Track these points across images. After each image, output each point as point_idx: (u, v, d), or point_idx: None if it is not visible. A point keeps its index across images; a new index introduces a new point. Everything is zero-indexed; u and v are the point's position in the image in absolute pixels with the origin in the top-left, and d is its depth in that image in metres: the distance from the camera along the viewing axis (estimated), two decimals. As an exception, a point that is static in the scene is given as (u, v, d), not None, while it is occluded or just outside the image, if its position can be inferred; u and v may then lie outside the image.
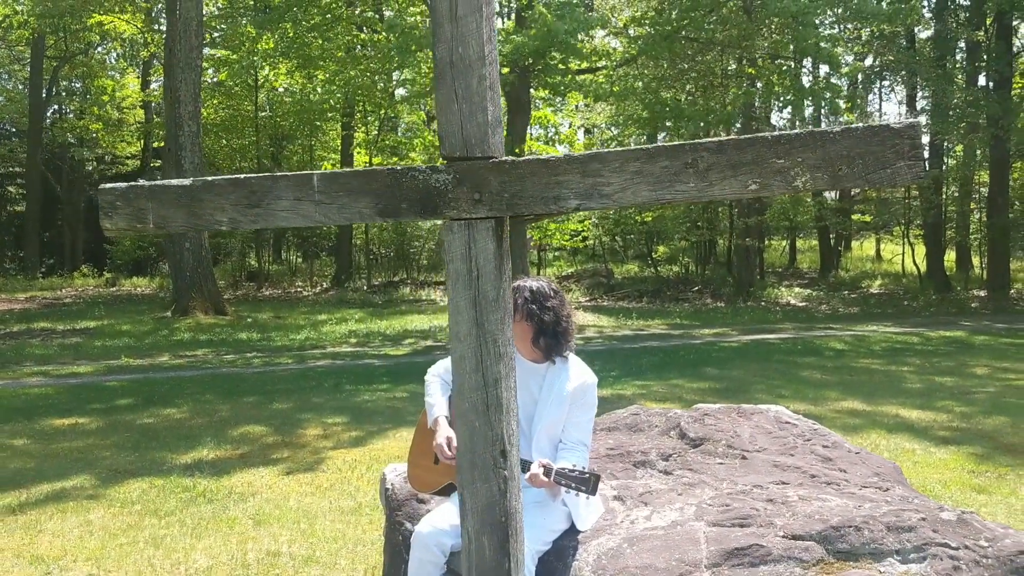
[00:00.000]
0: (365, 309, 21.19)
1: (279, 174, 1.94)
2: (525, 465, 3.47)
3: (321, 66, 20.43)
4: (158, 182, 1.99)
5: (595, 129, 37.56)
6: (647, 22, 16.45)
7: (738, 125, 24.64)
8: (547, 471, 3.37)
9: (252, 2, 23.32)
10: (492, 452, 1.90)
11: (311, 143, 28.04)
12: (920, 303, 23.01)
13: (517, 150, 16.62)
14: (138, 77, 41.06)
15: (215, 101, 28.24)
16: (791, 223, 28.36)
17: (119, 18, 26.84)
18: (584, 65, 17.36)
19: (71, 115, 41.41)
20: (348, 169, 1.93)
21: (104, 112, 37.98)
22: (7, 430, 8.43)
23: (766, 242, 36.51)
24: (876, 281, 28.23)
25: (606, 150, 1.81)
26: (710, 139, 1.77)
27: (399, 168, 1.89)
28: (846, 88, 26.08)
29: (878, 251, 37.38)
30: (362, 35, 19.96)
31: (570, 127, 37.07)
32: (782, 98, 19.30)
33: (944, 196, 27.26)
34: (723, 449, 4.25)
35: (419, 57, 17.19)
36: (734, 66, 22.53)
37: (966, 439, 7.93)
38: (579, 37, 14.71)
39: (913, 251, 27.52)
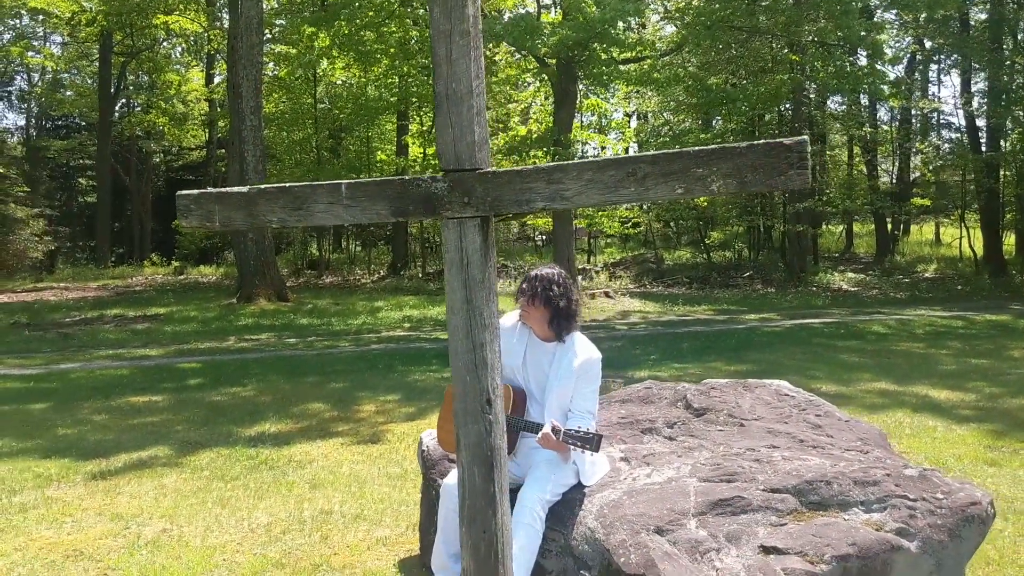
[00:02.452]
0: (419, 296, 21.87)
1: (317, 183, 2.48)
2: (538, 428, 4.00)
3: (376, 60, 21.05)
4: (223, 189, 2.54)
5: (649, 115, 37.80)
6: (692, 11, 16.72)
7: (788, 106, 24.76)
8: (556, 432, 3.88)
9: (310, -1, 24.05)
10: (480, 401, 2.42)
11: (367, 135, 28.79)
12: (972, 288, 22.93)
13: (563, 138, 17.05)
14: (202, 71, 42.26)
15: (276, 95, 29.14)
16: (836, 208, 28.25)
17: (183, 17, 27.82)
18: (628, 55, 17.73)
19: (139, 109, 42.81)
20: (368, 179, 2.45)
21: (170, 106, 39.28)
22: (87, 407, 9.20)
23: (823, 227, 36.44)
24: (932, 266, 28.09)
25: (566, 162, 2.30)
26: (647, 153, 2.25)
27: (407, 178, 2.41)
28: (894, 74, 25.93)
29: (937, 235, 37.03)
30: (414, 30, 20.51)
31: (623, 116, 37.35)
32: (826, 84, 19.40)
33: (1002, 180, 26.98)
34: (724, 418, 4.71)
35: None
36: (787, 51, 22.64)
37: (989, 418, 8.23)
38: (619, 26, 15.07)
39: (970, 235, 27.33)
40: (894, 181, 32.94)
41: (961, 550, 3.61)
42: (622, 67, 17.17)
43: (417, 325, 16.52)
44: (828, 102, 29.49)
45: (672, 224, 34.43)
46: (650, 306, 19.24)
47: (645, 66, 17.71)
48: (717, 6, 16.41)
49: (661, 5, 19.33)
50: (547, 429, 3.91)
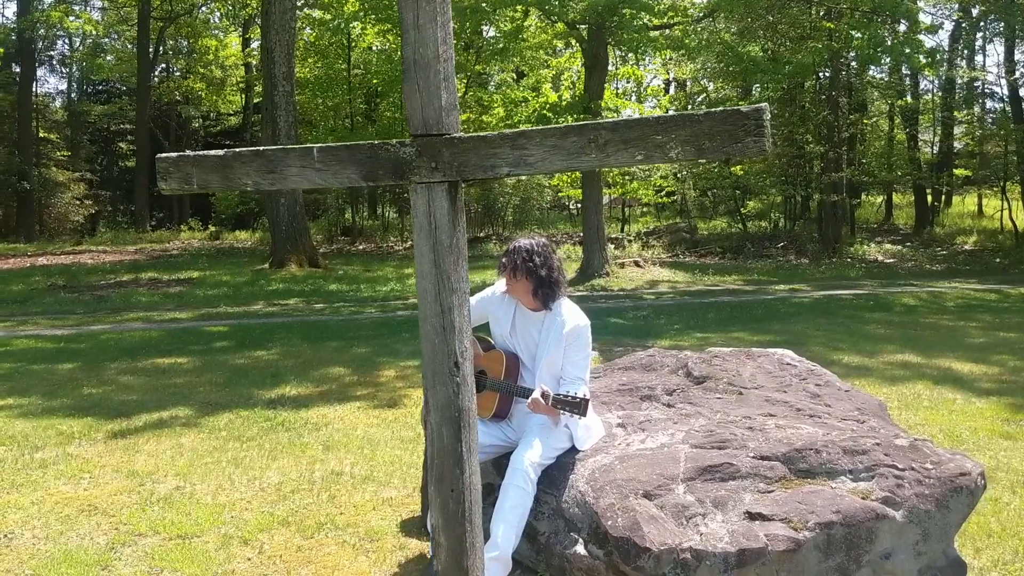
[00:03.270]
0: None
1: (288, 147, 2.52)
2: (530, 393, 4.05)
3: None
4: (200, 152, 2.59)
5: (688, 83, 37.35)
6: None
7: (827, 73, 24.35)
8: (545, 397, 3.93)
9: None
10: (448, 363, 2.47)
11: (400, 101, 28.73)
12: (1011, 261, 22.55)
13: (593, 105, 16.94)
14: (240, 37, 42.47)
15: (311, 60, 29.22)
16: (873, 178, 27.81)
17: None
18: (658, 22, 17.54)
19: (177, 74, 43.19)
20: (339, 143, 2.50)
21: (207, 71, 39.57)
22: (114, 368, 9.41)
23: (862, 198, 35.91)
24: (971, 238, 27.63)
25: (530, 128, 2.32)
26: (608, 120, 2.26)
27: (376, 143, 2.45)
28: (934, 43, 25.33)
29: (980, 207, 36.34)
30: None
31: (658, 83, 36.99)
32: (860, 53, 19.04)
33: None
34: (723, 386, 4.73)
35: (503, 15, 17.64)
36: (843, 18, 22.14)
37: (1010, 391, 8.14)
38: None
39: (1010, 207, 26.82)
40: (935, 151, 32.31)
41: (948, 520, 3.61)
42: (654, 33, 16.98)
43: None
44: (870, 70, 28.97)
45: (709, 193, 34.14)
46: (679, 276, 19.18)
47: (677, 32, 17.50)
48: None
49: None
50: (536, 395, 3.96)
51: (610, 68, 26.53)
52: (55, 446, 6.50)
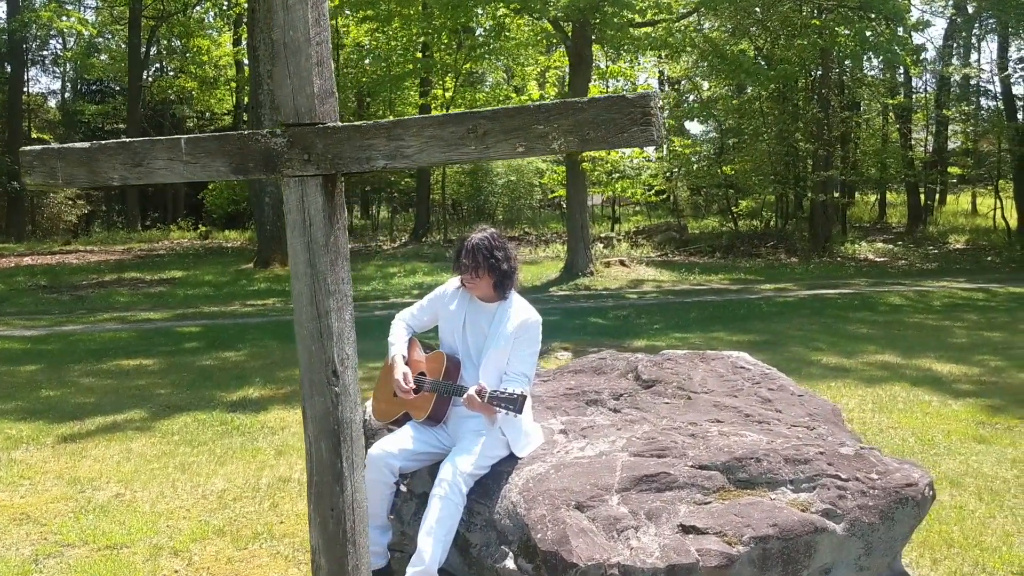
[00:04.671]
0: (436, 263, 21.75)
1: (155, 138, 2.34)
2: (465, 392, 3.87)
3: (389, 19, 20.75)
4: (65, 145, 2.41)
5: (683, 82, 37.11)
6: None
7: (819, 73, 24.16)
8: (481, 394, 3.75)
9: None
10: (326, 371, 2.29)
11: (391, 99, 28.61)
12: (1002, 259, 22.37)
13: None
14: (232, 35, 42.25)
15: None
16: (861, 177, 27.61)
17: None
18: (645, 18, 17.33)
19: (171, 73, 42.99)
20: (207, 134, 2.32)
21: (200, 71, 39.35)
22: (77, 369, 9.23)
23: (856, 197, 35.70)
24: (964, 237, 27.44)
25: (406, 118, 2.14)
26: (487, 109, 2.08)
27: (246, 133, 2.26)
28: (927, 40, 25.08)
29: (974, 206, 36.14)
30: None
31: (657, 83, 36.76)
32: (844, 49, 18.85)
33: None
34: (672, 390, 4.54)
35: (488, 11, 17.45)
36: (827, 15, 21.91)
37: (988, 392, 7.97)
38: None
39: (1003, 205, 26.64)
40: (929, 150, 32.12)
41: (893, 533, 3.43)
42: (638, 31, 16.78)
43: (427, 292, 16.40)
44: (865, 68, 28.76)
45: (701, 192, 33.94)
46: (665, 275, 18.99)
47: (661, 30, 17.30)
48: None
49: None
50: (472, 391, 3.78)
51: (601, 67, 26.40)
52: (0, 451, 6.31)
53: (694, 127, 36.75)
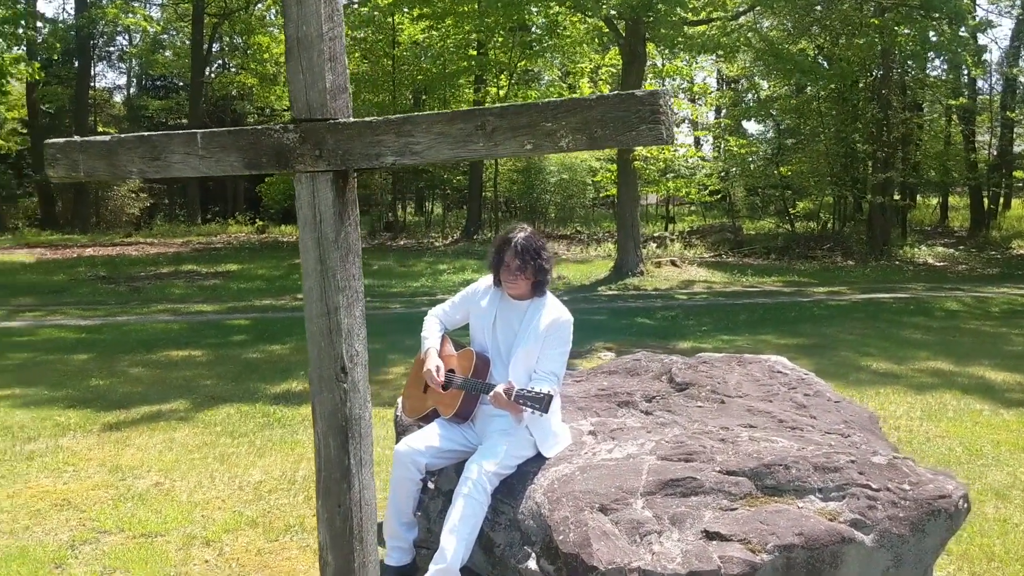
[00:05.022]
0: (486, 260, 21.70)
1: (173, 132, 2.36)
2: (491, 389, 3.85)
3: (443, 15, 20.81)
4: (88, 138, 2.44)
5: (743, 80, 36.62)
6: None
7: (879, 73, 23.67)
8: (508, 392, 3.73)
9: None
10: (334, 368, 2.29)
11: (447, 97, 28.68)
12: (1068, 265, 21.71)
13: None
14: (292, 33, 42.71)
15: (356, 56, 29.26)
16: (921, 180, 26.96)
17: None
18: (699, 16, 17.13)
19: (232, 70, 43.67)
20: (223, 128, 2.33)
21: (260, 67, 39.90)
22: (127, 359, 9.41)
23: (917, 200, 34.92)
24: (1029, 241, 26.67)
25: (416, 114, 2.13)
26: (496, 106, 2.06)
27: (260, 128, 2.27)
28: (994, 40, 24.34)
29: (1041, 210, 35.13)
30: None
31: (711, 81, 36.40)
32: (904, 50, 18.41)
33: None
34: (706, 394, 4.48)
35: (541, 10, 17.41)
36: (887, 14, 21.39)
37: (1043, 402, 7.73)
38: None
39: (1071, 210, 25.85)
40: (993, 153, 31.28)
41: (924, 546, 3.33)
42: (692, 29, 16.58)
43: (476, 289, 16.43)
44: (928, 68, 28.11)
45: (758, 192, 33.46)
46: (717, 276, 18.77)
47: (715, 29, 17.07)
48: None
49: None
50: (499, 388, 3.77)
51: (658, 65, 26.17)
52: (48, 438, 6.47)
53: (752, 126, 36.23)
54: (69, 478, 5.57)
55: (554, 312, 3.99)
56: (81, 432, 6.62)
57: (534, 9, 17.60)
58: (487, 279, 4.20)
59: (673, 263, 19.80)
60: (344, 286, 2.25)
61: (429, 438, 3.99)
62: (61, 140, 2.47)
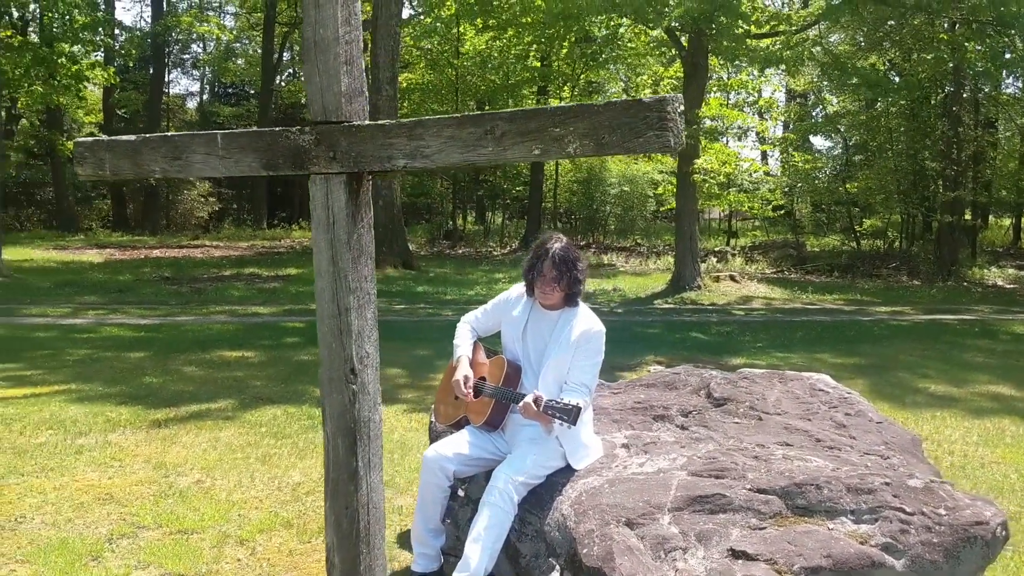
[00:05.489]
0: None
1: (194, 133, 2.39)
2: (521, 399, 3.83)
3: (506, 25, 20.92)
4: (114, 138, 2.50)
5: (811, 94, 36.07)
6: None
7: (949, 90, 23.11)
8: (537, 402, 3.70)
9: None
10: (344, 369, 2.29)
11: (509, 107, 28.81)
12: None
13: (692, 113, 16.48)
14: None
15: (421, 66, 29.59)
16: (991, 199, 26.20)
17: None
18: (762, 30, 16.92)
19: (302, 78, 44.43)
20: (242, 130, 2.35)
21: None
22: (181, 359, 9.59)
23: (990, 219, 33.97)
24: (1107, 265, 25.71)
25: (427, 118, 2.12)
26: (504, 111, 2.05)
27: (278, 130, 2.29)
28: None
29: (1122, 232, 33.84)
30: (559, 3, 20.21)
31: (779, 96, 35.91)
32: (974, 66, 17.92)
33: None
34: (744, 410, 4.39)
35: (603, 21, 17.38)
36: (958, 28, 20.84)
37: (1109, 432, 7.42)
38: (743, 0, 14.39)
39: None
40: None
41: (958, 573, 3.21)
42: (755, 42, 16.36)
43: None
44: (1003, 84, 27.31)
45: (824, 208, 32.87)
46: (777, 292, 18.47)
47: (778, 42, 16.82)
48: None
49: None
50: (528, 399, 3.73)
51: (725, 78, 25.93)
52: (98, 433, 6.61)
53: (819, 141, 35.68)
54: (114, 473, 5.68)
55: (585, 323, 3.95)
56: (131, 428, 6.76)
57: (596, 20, 17.57)
58: (519, 287, 4.18)
59: (732, 278, 19.55)
60: (356, 287, 2.26)
61: (458, 445, 3.98)
62: (89, 139, 2.52)
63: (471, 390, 4.02)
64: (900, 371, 9.92)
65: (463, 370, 4.09)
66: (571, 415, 3.63)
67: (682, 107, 1.90)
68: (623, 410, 4.57)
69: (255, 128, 2.29)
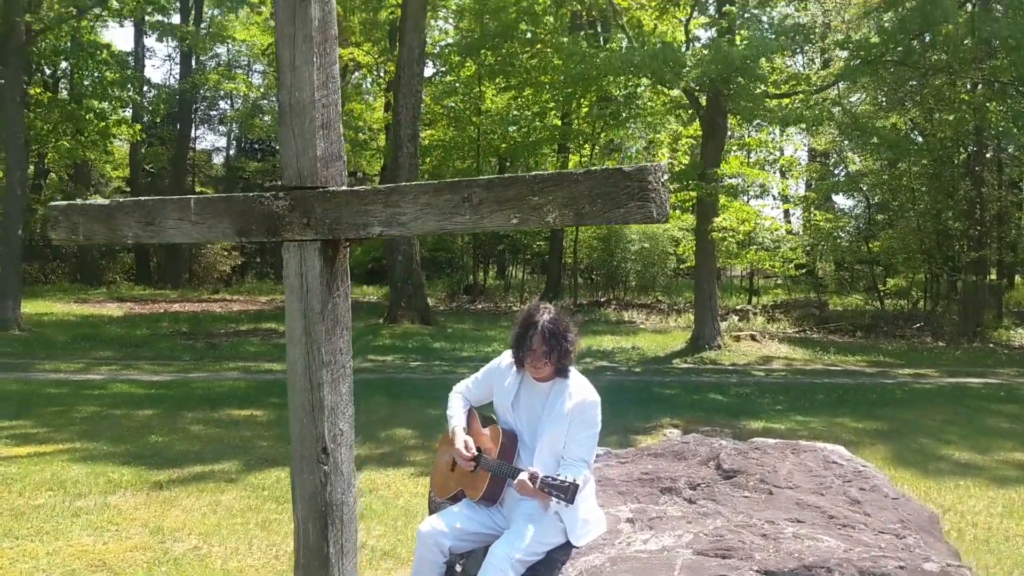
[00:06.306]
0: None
1: (168, 198, 2.31)
2: (518, 474, 3.66)
3: (524, 87, 21.13)
4: (87, 202, 2.42)
5: (831, 155, 36.06)
6: (851, 45, 15.73)
7: (972, 150, 23.00)
8: (533, 479, 3.54)
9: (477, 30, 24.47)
10: (316, 448, 2.17)
11: (530, 164, 28.96)
12: None
13: (710, 172, 16.43)
14: (383, 100, 43.96)
15: (442, 124, 29.85)
16: (1016, 259, 25.86)
17: (359, 50, 29.11)
18: (781, 90, 16.93)
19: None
20: (216, 195, 2.26)
21: (353, 133, 41.03)
22: (189, 417, 9.49)
23: (1016, 279, 33.53)
24: None
25: (404, 184, 2.03)
26: (483, 177, 1.95)
27: (251, 195, 2.20)
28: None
29: None
30: (579, 65, 20.40)
31: (801, 155, 35.91)
32: (996, 127, 17.80)
33: None
34: (754, 483, 4.21)
35: (621, 82, 17.48)
36: (980, 89, 20.75)
37: None
38: (762, 63, 14.39)
39: None
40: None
41: (979, 669, 3.00)
42: (774, 102, 16.34)
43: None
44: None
45: (846, 267, 32.60)
46: (798, 352, 18.19)
47: (797, 101, 16.80)
48: (876, 39, 15.32)
49: (818, 38, 18.24)
50: (523, 476, 3.57)
51: (745, 136, 25.94)
52: (98, 494, 6.49)
53: (842, 200, 35.51)
54: (110, 538, 5.55)
55: (580, 394, 3.78)
56: (131, 490, 6.64)
57: (615, 80, 17.66)
58: (509, 355, 4.00)
59: (753, 337, 19.30)
60: (329, 360, 2.15)
61: (454, 519, 3.82)
62: (63, 203, 2.45)
63: (472, 453, 3.87)
64: (923, 436, 9.66)
65: (460, 438, 3.94)
66: (568, 493, 3.47)
67: (666, 176, 1.79)
68: (629, 481, 4.39)
69: (228, 195, 2.20)
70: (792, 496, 4.06)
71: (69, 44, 26.87)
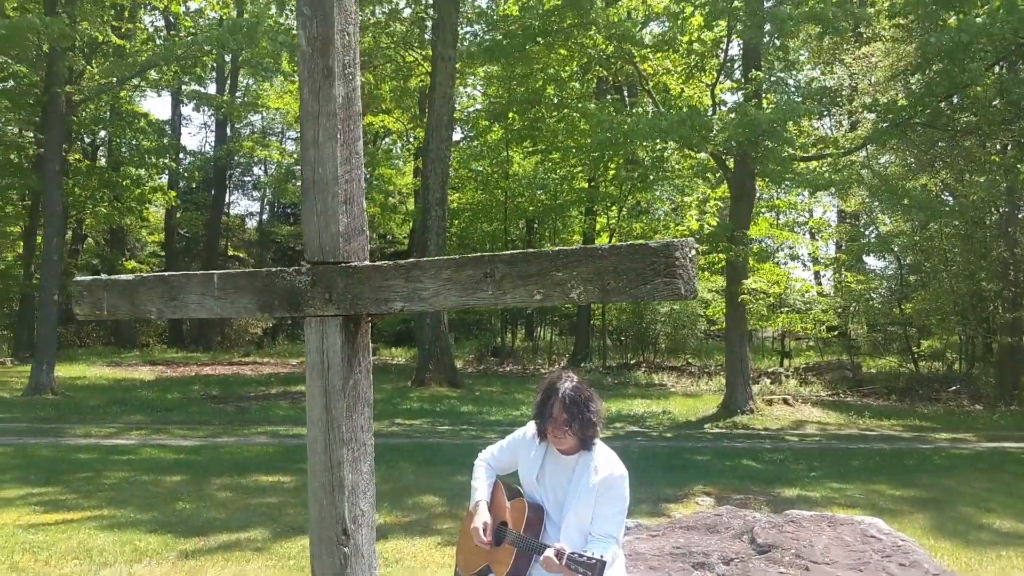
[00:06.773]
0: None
1: (191, 272, 2.31)
2: (544, 550, 3.57)
3: (559, 146, 21.31)
4: (111, 277, 2.42)
5: (862, 217, 35.89)
6: (879, 108, 15.75)
7: (1004, 211, 22.78)
8: (559, 555, 3.45)
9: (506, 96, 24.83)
10: (335, 529, 2.12)
11: (557, 227, 29.11)
12: None
13: (740, 234, 16.37)
14: (413, 165, 44.54)
15: (471, 187, 30.16)
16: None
17: (388, 117, 29.61)
18: (811, 152, 16.93)
19: (358, 199, 45.49)
20: (239, 270, 2.26)
21: (383, 198, 41.52)
22: (217, 483, 9.44)
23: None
24: None
25: (425, 259, 2.01)
26: (505, 252, 1.92)
27: (274, 270, 2.19)
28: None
29: None
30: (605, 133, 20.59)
31: (831, 216, 35.78)
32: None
33: None
34: (789, 558, 4.09)
35: (649, 146, 17.58)
36: (1010, 150, 20.65)
37: None
38: (789, 126, 14.43)
39: None
40: None
41: None
42: (802, 165, 16.33)
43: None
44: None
45: (879, 329, 32.21)
46: (832, 416, 17.88)
47: (825, 164, 16.79)
48: (904, 102, 15.33)
49: (845, 101, 18.30)
50: (549, 552, 3.48)
51: (774, 198, 25.92)
52: (123, 563, 6.44)
53: (873, 261, 35.24)
54: (133, 608, 5.49)
55: (606, 468, 3.69)
56: (156, 559, 6.58)
57: (642, 144, 17.76)
58: (531, 427, 3.92)
59: (786, 401, 19.02)
60: (350, 439, 2.11)
61: (479, 595, 3.73)
62: (88, 278, 2.45)
63: (488, 539, 3.78)
64: (963, 505, 9.41)
65: (482, 516, 3.86)
66: (595, 570, 3.37)
67: (694, 251, 1.76)
68: (661, 556, 4.29)
69: (251, 271, 2.19)
70: (830, 572, 3.94)
71: (108, 113, 27.61)
